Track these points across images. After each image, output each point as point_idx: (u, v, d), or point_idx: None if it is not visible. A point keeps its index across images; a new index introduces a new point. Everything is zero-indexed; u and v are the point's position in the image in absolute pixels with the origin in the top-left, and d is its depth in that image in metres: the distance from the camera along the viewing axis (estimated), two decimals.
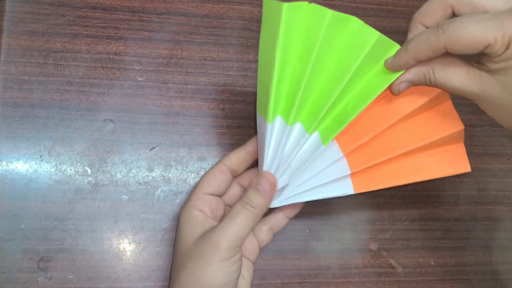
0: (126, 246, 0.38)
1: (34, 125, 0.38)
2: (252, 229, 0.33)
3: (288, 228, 0.40)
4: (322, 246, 0.41)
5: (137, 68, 0.40)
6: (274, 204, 0.34)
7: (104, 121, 0.39)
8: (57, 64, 0.39)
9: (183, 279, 0.32)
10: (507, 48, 0.27)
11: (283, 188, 0.34)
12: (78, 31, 0.40)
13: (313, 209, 0.41)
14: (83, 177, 0.38)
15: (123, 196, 0.38)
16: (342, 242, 0.41)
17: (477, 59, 0.31)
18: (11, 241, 0.36)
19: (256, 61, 0.43)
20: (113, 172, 0.38)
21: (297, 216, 0.41)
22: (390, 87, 0.32)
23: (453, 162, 0.35)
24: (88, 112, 0.39)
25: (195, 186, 0.35)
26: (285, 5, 0.30)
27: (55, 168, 0.38)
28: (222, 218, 0.34)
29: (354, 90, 0.33)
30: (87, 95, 0.39)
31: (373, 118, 0.33)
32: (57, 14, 0.40)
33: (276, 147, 0.32)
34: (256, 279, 0.39)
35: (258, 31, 0.44)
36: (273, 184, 0.33)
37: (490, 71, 0.30)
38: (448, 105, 0.35)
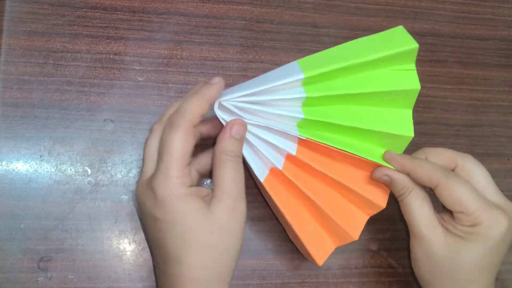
0: (126, 246, 0.38)
1: (34, 125, 0.38)
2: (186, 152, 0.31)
3: None
4: None
5: (137, 68, 0.41)
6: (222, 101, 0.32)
7: (104, 121, 0.39)
8: (57, 64, 0.39)
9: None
10: (473, 226, 0.32)
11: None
12: (78, 31, 0.40)
13: None
14: (83, 177, 0.38)
15: (123, 196, 0.38)
16: None
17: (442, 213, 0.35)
18: (11, 241, 0.36)
19: (256, 61, 0.43)
20: (113, 172, 0.38)
21: None
22: (373, 171, 0.35)
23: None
24: (88, 112, 0.39)
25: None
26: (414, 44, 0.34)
27: (55, 168, 0.38)
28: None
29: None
30: (87, 95, 0.39)
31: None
32: (57, 14, 0.40)
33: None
34: (256, 279, 0.39)
35: (258, 31, 0.44)
36: (245, 127, 0.32)
37: (448, 230, 0.34)
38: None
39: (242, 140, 0.32)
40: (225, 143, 0.31)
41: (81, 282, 0.36)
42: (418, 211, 0.34)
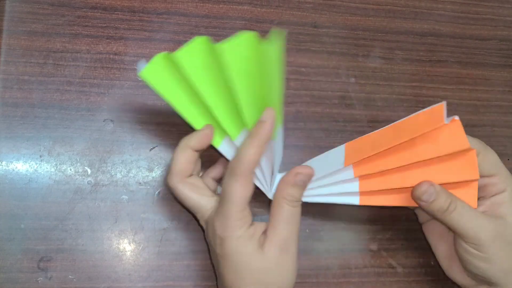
0: (126, 246, 0.38)
1: (34, 125, 0.38)
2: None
3: None
4: (322, 246, 0.41)
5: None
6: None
7: (104, 121, 0.39)
8: (57, 64, 0.39)
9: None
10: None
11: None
12: (78, 31, 0.40)
13: (313, 209, 0.41)
14: (83, 177, 0.38)
15: (123, 196, 0.38)
16: (342, 242, 0.41)
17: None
18: (11, 241, 0.36)
19: None
20: (113, 172, 0.38)
21: None
22: (415, 188, 0.33)
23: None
24: (88, 112, 0.39)
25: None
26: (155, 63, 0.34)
27: (55, 168, 0.38)
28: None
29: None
30: (87, 95, 0.39)
31: (394, 156, 0.33)
32: (57, 14, 0.40)
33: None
34: None
35: (258, 31, 0.44)
36: (312, 175, 0.35)
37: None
38: (471, 156, 0.33)
39: (304, 187, 0.34)
40: (287, 188, 0.33)
41: (81, 282, 0.36)
42: (474, 215, 0.33)
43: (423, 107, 0.45)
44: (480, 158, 0.34)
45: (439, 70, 0.47)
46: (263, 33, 0.43)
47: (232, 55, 0.33)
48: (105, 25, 0.41)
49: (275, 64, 0.31)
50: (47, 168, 0.38)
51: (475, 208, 0.33)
